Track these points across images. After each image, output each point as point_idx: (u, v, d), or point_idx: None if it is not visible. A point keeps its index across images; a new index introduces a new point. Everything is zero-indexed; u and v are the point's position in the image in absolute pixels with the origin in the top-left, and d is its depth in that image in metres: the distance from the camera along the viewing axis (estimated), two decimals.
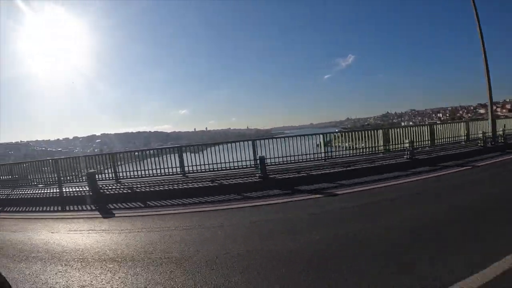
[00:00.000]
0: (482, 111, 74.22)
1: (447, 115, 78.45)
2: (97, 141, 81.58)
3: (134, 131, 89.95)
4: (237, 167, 10.09)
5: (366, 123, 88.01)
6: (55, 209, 8.01)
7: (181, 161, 10.22)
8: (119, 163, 10.69)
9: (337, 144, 13.52)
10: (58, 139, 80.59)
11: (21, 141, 76.42)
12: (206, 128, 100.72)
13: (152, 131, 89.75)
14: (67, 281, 3.62)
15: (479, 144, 12.11)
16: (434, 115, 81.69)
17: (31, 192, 10.02)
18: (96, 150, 62.65)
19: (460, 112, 78.51)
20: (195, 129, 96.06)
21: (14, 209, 8.51)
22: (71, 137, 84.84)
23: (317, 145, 11.40)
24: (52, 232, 5.80)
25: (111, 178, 10.33)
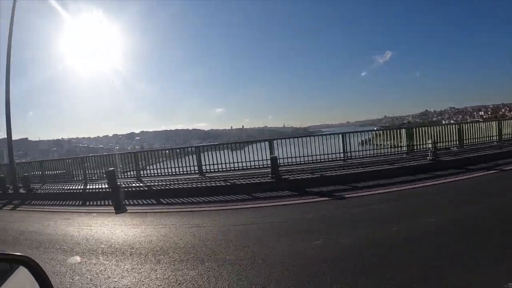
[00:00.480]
0: None
1: (489, 113, 73.53)
2: (136, 138, 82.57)
3: (172, 129, 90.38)
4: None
5: (405, 121, 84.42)
6: (79, 203, 9.11)
7: (199, 161, 10.71)
8: (159, 160, 11.58)
9: (378, 142, 13.16)
10: (98, 136, 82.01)
11: (62, 138, 78.94)
12: (243, 126, 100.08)
13: (190, 129, 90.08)
14: None
15: None
16: (475, 113, 76.83)
17: (71, 187, 11.19)
18: (136, 147, 65.63)
19: (503, 110, 73.45)
20: (231, 127, 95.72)
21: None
22: (110, 135, 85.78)
23: (360, 143, 11.46)
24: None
25: (153, 174, 11.23)
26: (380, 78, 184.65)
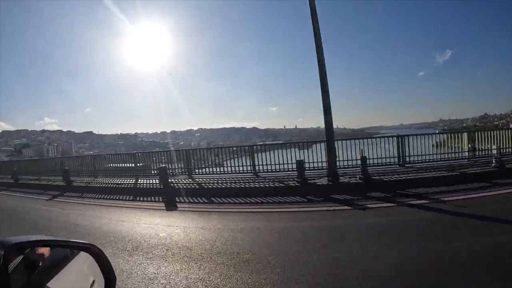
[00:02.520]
0: None
1: None
2: (196, 135, 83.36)
3: (228, 127, 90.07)
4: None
5: (464, 124, 78.23)
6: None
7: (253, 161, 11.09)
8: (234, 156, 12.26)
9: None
10: (156, 132, 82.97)
11: (120, 133, 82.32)
12: (296, 126, 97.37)
13: (249, 127, 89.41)
14: None
15: None
16: None
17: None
18: (201, 143, 68.12)
19: None
20: (284, 126, 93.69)
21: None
22: (168, 131, 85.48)
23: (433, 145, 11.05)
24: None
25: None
26: (438, 78, 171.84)
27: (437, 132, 18.43)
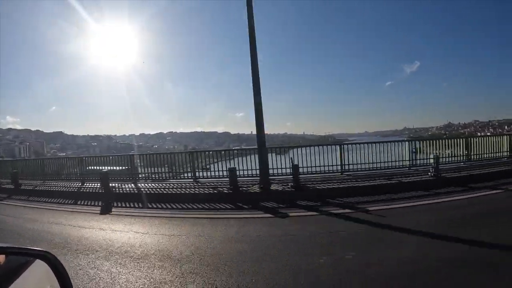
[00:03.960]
0: None
1: None
2: (167, 138, 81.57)
3: (199, 130, 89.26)
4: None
5: (429, 133, 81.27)
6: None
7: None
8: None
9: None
10: (124, 134, 79.71)
11: (95, 134, 79.62)
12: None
13: (220, 132, 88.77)
14: None
15: None
16: (506, 126, 72.10)
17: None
18: (175, 147, 66.80)
19: None
20: (252, 132, 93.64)
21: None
22: (137, 134, 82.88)
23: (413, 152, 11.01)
24: None
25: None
26: (405, 88, 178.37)
27: (405, 139, 18.52)
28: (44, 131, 76.50)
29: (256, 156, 9.39)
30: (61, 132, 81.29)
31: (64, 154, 57.15)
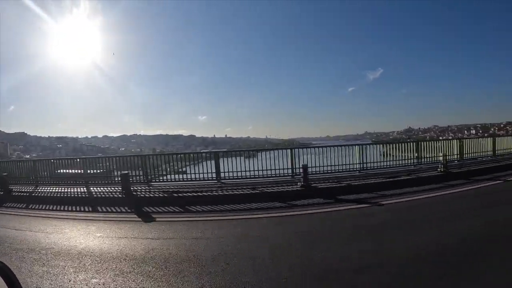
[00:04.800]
0: None
1: (480, 131, 75.06)
2: (132, 140, 79.76)
3: (169, 134, 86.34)
4: (274, 175, 10.10)
5: (390, 137, 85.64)
6: None
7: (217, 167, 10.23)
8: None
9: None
10: (87, 137, 78.02)
11: (61, 136, 76.09)
12: (226, 135, 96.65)
13: (186, 135, 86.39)
14: None
15: None
16: (466, 131, 78.21)
17: None
18: (142, 149, 65.90)
19: (492, 129, 75.17)
20: (214, 135, 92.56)
21: None
22: (100, 136, 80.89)
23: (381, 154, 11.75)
24: None
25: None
26: (367, 94, 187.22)
27: (370, 142, 19.58)
28: (5, 131, 72.36)
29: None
30: (24, 133, 76.12)
31: (28, 156, 53.77)
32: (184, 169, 11.52)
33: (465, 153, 12.65)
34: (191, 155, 12.52)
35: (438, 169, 10.12)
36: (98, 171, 11.52)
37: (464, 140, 13.27)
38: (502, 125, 75.14)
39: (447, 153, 11.50)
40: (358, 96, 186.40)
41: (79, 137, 77.24)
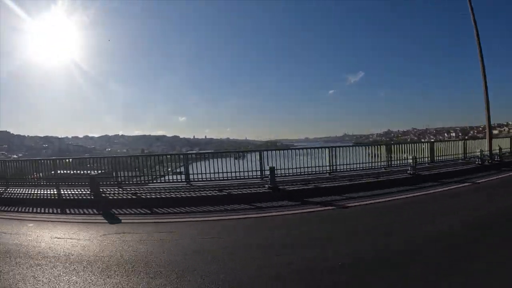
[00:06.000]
0: (495, 131, 72.38)
1: (460, 134, 76.58)
2: (115, 141, 78.78)
3: (152, 134, 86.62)
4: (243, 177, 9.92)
5: (370, 139, 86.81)
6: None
7: (186, 168, 9.97)
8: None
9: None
10: (67, 136, 76.29)
11: (47, 135, 75.11)
12: (205, 136, 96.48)
13: (170, 135, 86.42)
14: None
15: (476, 162, 12.02)
16: (446, 134, 79.71)
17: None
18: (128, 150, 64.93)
19: (471, 132, 76.79)
20: (194, 136, 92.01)
21: None
22: (81, 136, 78.97)
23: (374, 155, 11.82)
24: None
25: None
26: (346, 96, 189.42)
27: (351, 144, 19.49)
28: None
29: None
30: (7, 132, 74.63)
31: (16, 156, 51.95)
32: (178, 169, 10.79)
33: (436, 156, 12.70)
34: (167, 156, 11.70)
35: (408, 172, 10.07)
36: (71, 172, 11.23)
37: (435, 143, 13.38)
38: (480, 128, 76.82)
39: (418, 155, 11.52)
40: (338, 99, 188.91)
41: (59, 137, 75.64)
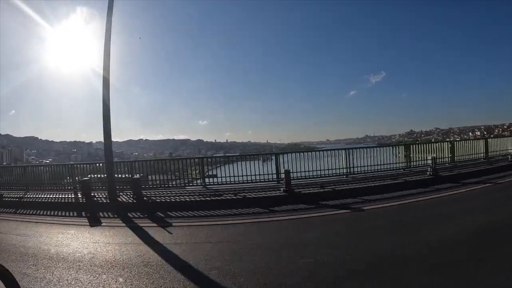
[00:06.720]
0: None
1: (485, 133, 73.48)
2: (140, 145, 78.98)
3: (176, 138, 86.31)
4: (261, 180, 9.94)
5: (393, 140, 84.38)
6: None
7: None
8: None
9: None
10: (91, 142, 75.37)
11: (74, 140, 75.57)
12: (227, 140, 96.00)
13: (194, 139, 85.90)
14: None
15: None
16: (470, 133, 76.61)
17: None
18: (155, 154, 64.85)
19: (496, 131, 73.54)
20: (215, 140, 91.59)
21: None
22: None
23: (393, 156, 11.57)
24: None
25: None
26: (368, 97, 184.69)
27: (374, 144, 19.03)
28: (13, 135, 69.29)
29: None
30: (35, 138, 74.41)
31: (48, 161, 53.19)
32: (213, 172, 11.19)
33: (457, 156, 12.23)
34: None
35: (427, 173, 9.79)
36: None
37: (455, 142, 12.91)
38: (505, 126, 73.44)
39: (438, 156, 11.19)
40: (359, 100, 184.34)
41: (85, 141, 75.63)
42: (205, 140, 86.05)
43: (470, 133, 75.10)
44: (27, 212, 8.40)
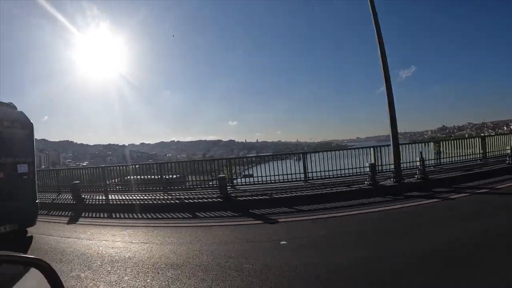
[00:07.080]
0: None
1: None
2: (172, 147, 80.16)
3: (207, 139, 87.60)
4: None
5: (425, 136, 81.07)
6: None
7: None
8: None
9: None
10: (124, 144, 78.39)
11: (109, 143, 77.79)
12: (257, 140, 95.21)
13: (225, 140, 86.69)
14: None
15: None
16: (505, 127, 72.36)
17: None
18: (189, 155, 65.69)
19: None
20: (245, 140, 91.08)
21: None
22: (137, 143, 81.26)
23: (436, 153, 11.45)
24: None
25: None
26: (398, 93, 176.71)
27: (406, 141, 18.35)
28: (48, 139, 71.29)
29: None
30: (70, 142, 77.33)
31: (85, 163, 54.29)
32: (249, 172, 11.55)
33: (489, 152, 11.75)
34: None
35: (507, 162, 9.99)
36: (174, 176, 11.58)
37: (487, 137, 12.28)
38: None
39: (467, 152, 11.19)
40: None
41: (119, 144, 77.91)
42: (236, 141, 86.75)
43: (505, 127, 71.08)
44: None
